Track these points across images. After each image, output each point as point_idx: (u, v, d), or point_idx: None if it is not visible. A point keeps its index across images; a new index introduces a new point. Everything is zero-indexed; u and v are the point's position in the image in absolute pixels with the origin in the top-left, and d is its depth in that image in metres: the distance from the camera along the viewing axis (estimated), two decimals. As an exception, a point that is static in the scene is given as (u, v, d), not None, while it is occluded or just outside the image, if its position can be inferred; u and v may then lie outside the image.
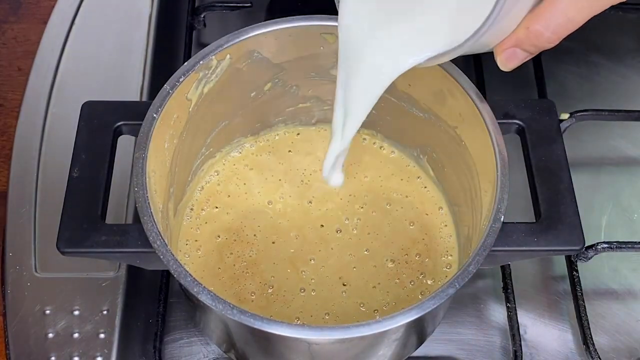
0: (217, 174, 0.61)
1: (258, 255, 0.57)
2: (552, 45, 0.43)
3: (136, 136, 0.50)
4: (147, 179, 0.49)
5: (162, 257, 0.46)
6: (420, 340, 0.56)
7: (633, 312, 0.62)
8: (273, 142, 0.63)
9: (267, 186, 0.61)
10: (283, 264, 0.57)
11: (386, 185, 0.61)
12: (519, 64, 0.45)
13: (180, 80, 0.52)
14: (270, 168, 0.62)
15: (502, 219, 0.47)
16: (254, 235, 0.58)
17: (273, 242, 0.58)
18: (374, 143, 0.63)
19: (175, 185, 0.57)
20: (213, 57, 0.53)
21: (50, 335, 0.56)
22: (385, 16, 0.46)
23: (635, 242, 0.61)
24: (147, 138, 0.50)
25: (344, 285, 0.56)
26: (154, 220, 0.47)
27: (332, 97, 0.60)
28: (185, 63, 0.53)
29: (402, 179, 0.61)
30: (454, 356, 0.59)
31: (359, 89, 0.49)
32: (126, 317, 0.57)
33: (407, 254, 0.57)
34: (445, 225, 0.59)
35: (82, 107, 0.53)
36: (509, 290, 0.60)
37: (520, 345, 0.58)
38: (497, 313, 0.61)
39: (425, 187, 0.61)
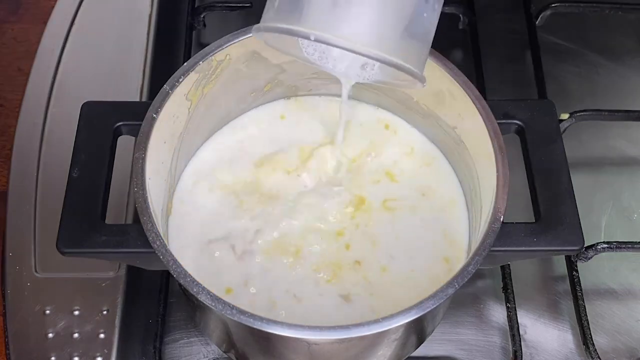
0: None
1: (261, 249, 0.57)
2: None
3: (136, 136, 0.50)
4: (147, 179, 0.49)
5: (161, 257, 0.46)
6: (420, 340, 0.56)
7: (633, 312, 0.62)
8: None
9: (269, 183, 0.61)
10: (287, 258, 0.57)
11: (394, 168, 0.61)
12: None
13: (180, 80, 0.52)
14: (271, 165, 0.62)
15: (501, 219, 0.47)
16: (256, 231, 0.58)
17: (277, 238, 0.58)
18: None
19: (175, 185, 0.57)
20: (213, 57, 0.53)
21: (50, 335, 0.56)
22: None
23: (635, 242, 0.61)
24: (147, 138, 0.50)
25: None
26: (154, 220, 0.47)
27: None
28: (185, 63, 0.53)
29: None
30: (453, 356, 0.59)
31: None
32: (126, 317, 0.57)
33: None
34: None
35: (82, 107, 0.53)
36: (509, 290, 0.60)
37: (520, 345, 0.58)
38: (497, 313, 0.61)
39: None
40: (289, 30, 0.43)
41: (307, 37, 0.43)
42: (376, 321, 0.44)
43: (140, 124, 0.50)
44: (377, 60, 0.43)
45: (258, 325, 0.43)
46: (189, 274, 0.45)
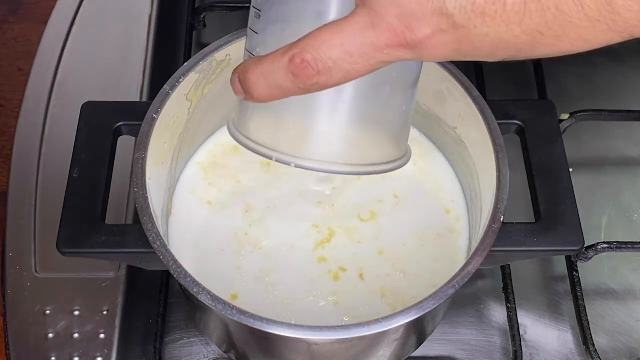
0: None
1: (263, 249, 0.57)
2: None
3: (136, 136, 0.50)
4: (147, 179, 0.49)
5: (161, 257, 0.46)
6: (420, 340, 0.56)
7: (633, 312, 0.62)
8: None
9: (270, 183, 0.60)
10: (289, 258, 0.56)
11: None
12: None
13: (180, 80, 0.52)
14: (272, 165, 0.61)
15: (501, 219, 0.47)
16: (257, 231, 0.58)
17: (279, 238, 0.57)
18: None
19: (175, 185, 0.57)
20: (213, 57, 0.53)
21: (50, 335, 0.56)
22: None
23: (635, 242, 0.61)
24: (147, 138, 0.50)
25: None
26: (154, 221, 0.47)
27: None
28: (185, 63, 0.53)
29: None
30: (453, 356, 0.59)
31: None
32: (126, 317, 0.57)
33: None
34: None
35: (82, 107, 0.53)
36: (509, 290, 0.60)
37: (520, 345, 0.58)
38: (497, 313, 0.61)
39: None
40: (267, 154, 0.43)
41: (287, 163, 0.42)
42: (376, 321, 0.44)
43: (140, 124, 0.50)
44: (369, 174, 0.43)
45: (258, 325, 0.43)
46: (189, 274, 0.45)
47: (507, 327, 0.60)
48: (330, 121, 0.41)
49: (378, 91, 0.41)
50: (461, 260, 0.55)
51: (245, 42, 0.43)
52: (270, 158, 0.43)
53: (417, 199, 0.60)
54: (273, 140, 0.43)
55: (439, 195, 0.59)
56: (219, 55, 0.53)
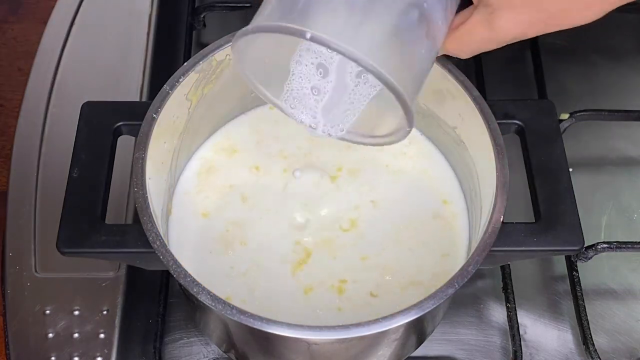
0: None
1: (263, 249, 0.57)
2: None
3: (136, 136, 0.50)
4: (147, 179, 0.49)
5: (161, 257, 0.46)
6: (420, 340, 0.56)
7: (633, 312, 0.62)
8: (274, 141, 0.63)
9: (268, 184, 0.61)
10: (290, 257, 0.56)
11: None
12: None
13: (180, 80, 0.52)
14: (271, 166, 0.62)
15: (501, 219, 0.47)
16: (257, 230, 0.58)
17: (280, 238, 0.57)
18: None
19: (175, 185, 0.57)
20: (213, 57, 0.53)
21: (50, 335, 0.56)
22: None
23: (635, 242, 0.61)
24: (147, 138, 0.50)
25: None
26: (154, 221, 0.47)
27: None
28: (185, 63, 0.53)
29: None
30: (453, 356, 0.59)
31: None
32: (126, 317, 0.57)
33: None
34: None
35: (82, 107, 0.53)
36: (509, 290, 0.60)
37: (520, 345, 0.58)
38: (497, 313, 0.61)
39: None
40: (281, 28, 0.41)
41: (302, 36, 0.40)
42: (376, 321, 0.44)
43: (140, 124, 0.50)
44: (378, 78, 0.41)
45: (258, 325, 0.43)
46: (189, 274, 0.45)
47: (507, 327, 0.60)
48: (360, 15, 0.42)
49: (407, 11, 0.42)
50: (461, 260, 0.55)
51: None
52: (285, 30, 0.41)
53: (418, 200, 0.60)
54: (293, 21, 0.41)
55: (439, 196, 0.59)
56: (219, 55, 0.53)
